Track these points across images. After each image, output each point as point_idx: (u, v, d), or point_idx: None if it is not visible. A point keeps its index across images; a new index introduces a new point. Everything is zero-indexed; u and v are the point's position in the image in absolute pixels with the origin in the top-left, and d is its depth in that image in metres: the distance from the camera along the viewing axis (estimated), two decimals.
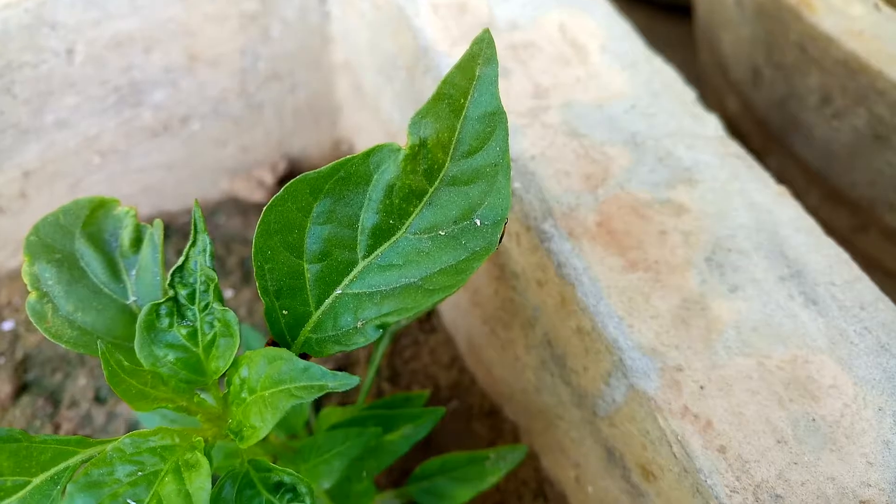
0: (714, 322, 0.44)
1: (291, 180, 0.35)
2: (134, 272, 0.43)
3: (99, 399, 0.69)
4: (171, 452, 0.36)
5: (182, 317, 0.38)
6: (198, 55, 0.73)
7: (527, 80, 0.55)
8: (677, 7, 1.19)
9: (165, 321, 0.38)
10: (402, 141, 0.36)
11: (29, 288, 0.40)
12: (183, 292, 0.38)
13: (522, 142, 0.51)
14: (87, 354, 0.66)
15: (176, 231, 0.82)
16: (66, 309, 0.41)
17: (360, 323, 0.35)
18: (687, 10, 1.12)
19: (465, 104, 0.35)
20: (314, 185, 0.36)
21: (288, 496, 0.36)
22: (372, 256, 0.36)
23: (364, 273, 0.36)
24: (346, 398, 0.67)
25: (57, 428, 0.68)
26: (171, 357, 0.38)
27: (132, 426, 0.68)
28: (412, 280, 0.35)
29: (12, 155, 0.72)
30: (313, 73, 0.80)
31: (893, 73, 0.62)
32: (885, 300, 0.45)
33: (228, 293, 0.76)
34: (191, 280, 0.38)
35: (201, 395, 0.39)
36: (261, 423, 0.34)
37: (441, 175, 0.36)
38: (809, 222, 0.48)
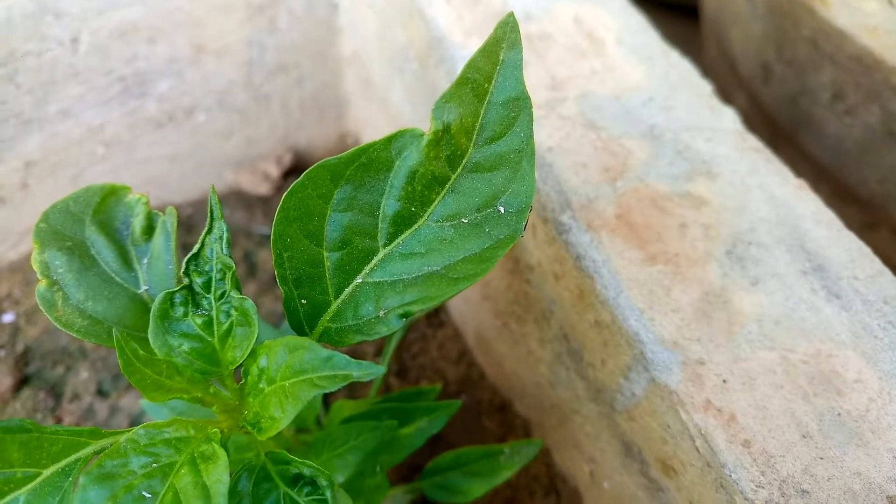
0: (736, 315, 0.43)
1: (312, 166, 0.34)
2: (146, 261, 0.42)
3: (101, 392, 0.68)
4: (186, 444, 0.35)
5: (197, 305, 0.37)
6: (204, 46, 0.72)
7: (543, 72, 0.54)
8: (680, 7, 1.18)
9: (180, 310, 0.37)
10: None
11: (39, 276, 0.39)
12: (198, 280, 0.37)
13: (539, 133, 0.51)
14: (98, 344, 0.65)
15: (180, 223, 0.81)
16: (76, 297, 0.40)
17: (382, 312, 0.34)
18: (688, 9, 1.11)
19: (488, 89, 0.35)
20: (335, 171, 0.35)
21: (307, 489, 0.35)
22: (393, 245, 0.35)
23: (385, 261, 0.35)
24: (353, 393, 0.66)
25: (59, 421, 0.67)
26: (185, 347, 0.37)
27: (136, 420, 0.67)
28: (435, 268, 0.35)
29: (14, 145, 0.71)
30: (320, 66, 0.79)
31: None
32: None
33: None
34: (206, 268, 0.37)
35: (216, 387, 0.38)
36: (281, 413, 0.33)
37: (464, 161, 0.35)
38: (830, 216, 0.48)
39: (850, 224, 0.77)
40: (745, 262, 0.45)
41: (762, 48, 0.78)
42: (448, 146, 0.35)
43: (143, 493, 0.33)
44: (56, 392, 0.69)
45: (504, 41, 0.34)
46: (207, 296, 0.37)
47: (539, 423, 0.61)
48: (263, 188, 0.81)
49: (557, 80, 0.54)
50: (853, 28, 0.65)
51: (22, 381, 0.69)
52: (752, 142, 0.52)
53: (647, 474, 0.47)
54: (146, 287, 0.41)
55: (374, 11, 0.68)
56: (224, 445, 0.35)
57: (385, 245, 0.35)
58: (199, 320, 0.37)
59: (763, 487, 0.38)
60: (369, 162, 0.35)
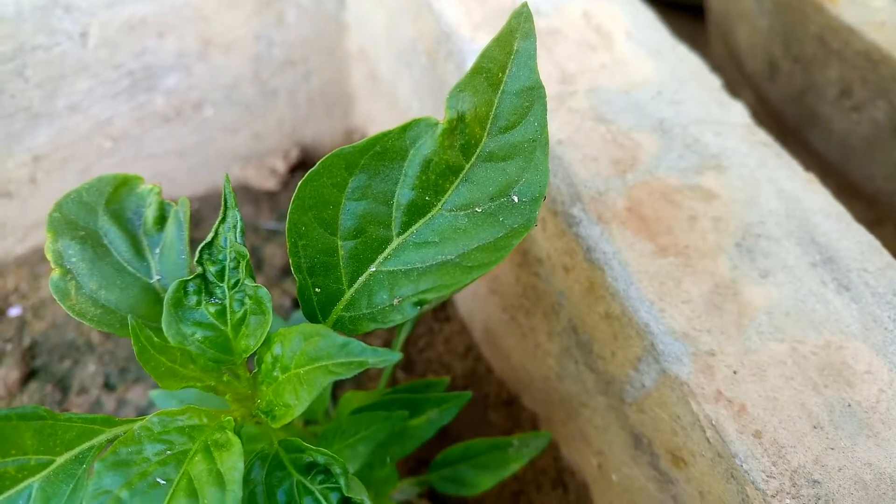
0: (746, 307, 0.43)
1: (327, 155, 0.35)
2: (158, 251, 0.42)
3: (108, 386, 0.68)
4: (199, 432, 0.35)
5: (210, 294, 0.37)
6: (212, 40, 0.73)
7: (552, 66, 0.54)
8: (683, 6, 1.18)
9: (193, 299, 0.37)
10: None
11: (52, 265, 0.39)
12: (212, 269, 0.37)
13: (549, 126, 0.51)
14: (111, 333, 0.65)
15: None
16: (89, 287, 0.40)
17: (396, 300, 0.34)
18: (692, 8, 1.11)
19: (503, 78, 0.35)
20: (349, 159, 0.35)
21: (320, 478, 0.35)
22: (407, 233, 0.35)
23: (399, 250, 0.35)
24: (360, 385, 0.66)
25: None
26: (198, 335, 0.37)
27: (143, 413, 0.67)
28: (449, 257, 0.35)
29: (23, 139, 0.71)
30: (327, 61, 0.79)
31: None
32: None
33: None
34: (220, 257, 0.37)
35: (229, 375, 0.38)
36: (295, 401, 0.33)
37: (478, 150, 0.35)
38: (840, 209, 0.48)
39: (856, 220, 0.77)
40: (754, 255, 0.45)
41: (769, 45, 0.78)
42: (462, 135, 0.35)
43: (158, 479, 0.33)
44: (63, 385, 0.69)
45: (518, 31, 0.34)
46: (221, 284, 0.37)
47: (546, 416, 0.61)
48: (270, 183, 0.81)
49: (567, 74, 0.54)
50: (861, 24, 0.66)
51: (29, 375, 0.70)
52: (762, 136, 0.52)
53: (656, 466, 0.47)
54: (158, 277, 0.41)
55: (383, 6, 0.68)
56: (238, 433, 0.35)
57: (399, 234, 0.35)
58: (212, 309, 0.37)
59: (774, 477, 0.38)
60: (384, 151, 0.35)
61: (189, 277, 0.37)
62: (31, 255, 0.78)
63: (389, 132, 0.35)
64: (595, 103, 0.52)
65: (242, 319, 0.36)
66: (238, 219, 0.37)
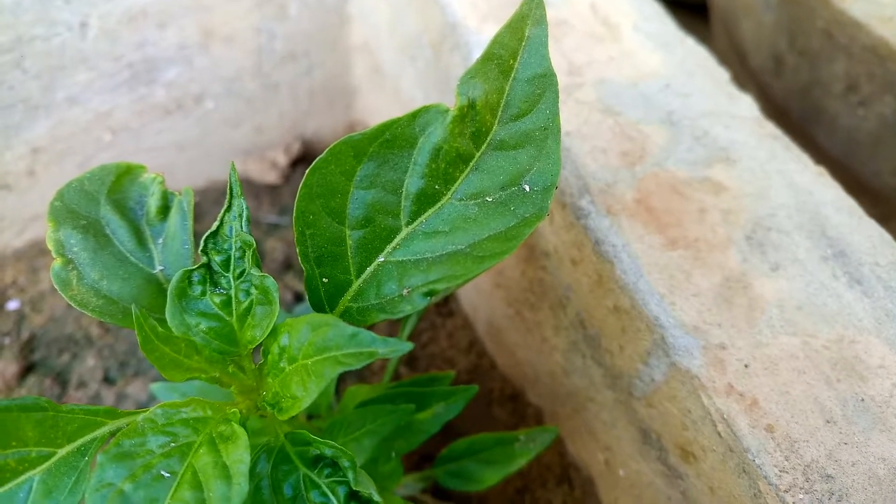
0: (757, 300, 0.43)
1: (335, 142, 0.34)
2: (161, 241, 0.41)
3: (108, 380, 0.68)
4: (204, 424, 0.34)
5: (215, 284, 0.36)
6: (213, 32, 0.72)
7: (560, 57, 0.54)
8: (684, 3, 1.18)
9: (198, 289, 0.36)
10: None
11: (54, 254, 0.38)
12: (217, 259, 0.36)
13: None
14: (114, 324, 0.65)
15: None
16: (91, 277, 0.39)
17: (405, 291, 0.34)
18: (694, 6, 1.11)
19: (514, 65, 0.34)
20: (358, 147, 0.34)
21: (327, 471, 0.34)
22: (416, 223, 0.35)
23: (408, 240, 0.35)
24: (364, 380, 0.65)
25: None
26: (203, 326, 0.36)
27: (143, 407, 0.66)
28: (459, 247, 0.34)
29: (21, 131, 0.70)
30: (330, 54, 0.78)
31: None
32: None
33: None
34: (225, 246, 0.36)
35: (234, 367, 0.37)
36: (303, 392, 0.32)
37: (489, 139, 0.35)
38: (851, 203, 0.47)
39: None
40: (765, 248, 0.45)
41: (774, 40, 0.78)
42: (473, 123, 0.34)
43: (162, 472, 0.32)
44: (62, 379, 0.68)
45: (530, 17, 0.34)
46: (226, 274, 0.36)
47: (552, 412, 0.61)
48: (271, 176, 0.80)
49: (575, 65, 0.53)
50: (868, 18, 0.65)
51: (27, 369, 0.69)
52: (770, 129, 0.51)
53: (665, 461, 0.47)
54: (161, 267, 0.41)
55: None
56: (243, 425, 0.34)
57: (408, 223, 0.35)
58: (217, 299, 0.36)
59: (787, 472, 0.37)
60: (393, 138, 0.34)
61: (194, 267, 0.36)
62: (29, 248, 0.77)
63: (399, 119, 0.34)
64: (603, 95, 0.52)
65: (248, 310, 0.36)
66: (244, 208, 0.36)
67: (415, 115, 0.34)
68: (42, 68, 0.67)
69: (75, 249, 0.39)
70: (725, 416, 0.39)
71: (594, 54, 0.54)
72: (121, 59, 0.70)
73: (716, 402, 0.40)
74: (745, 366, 0.41)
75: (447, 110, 0.34)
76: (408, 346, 0.29)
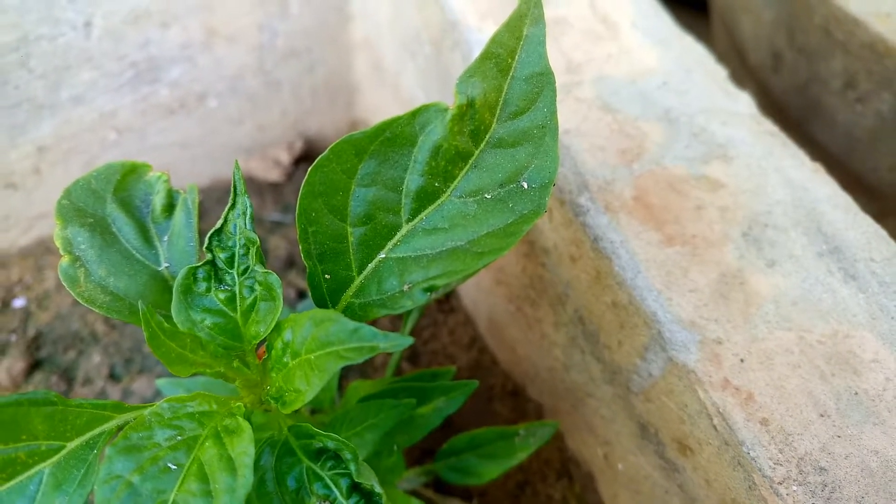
0: (753, 296, 0.43)
1: (337, 140, 0.35)
2: (166, 238, 0.42)
3: (114, 376, 0.69)
4: (209, 418, 0.35)
5: (220, 281, 0.37)
6: (216, 31, 0.72)
7: (559, 55, 0.54)
8: (685, 2, 1.18)
9: (203, 285, 0.37)
10: None
11: (61, 251, 0.39)
12: (221, 256, 0.37)
13: None
14: (119, 322, 0.65)
15: None
16: (98, 274, 0.40)
17: (406, 286, 0.34)
18: (693, 4, 1.11)
19: (512, 64, 0.35)
20: (359, 145, 0.35)
21: (330, 463, 0.35)
22: (416, 220, 0.36)
23: (408, 237, 0.35)
24: (366, 376, 0.66)
25: None
26: (208, 322, 0.37)
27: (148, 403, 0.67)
28: (459, 243, 0.35)
29: (27, 130, 0.71)
30: (331, 52, 0.79)
31: None
32: None
33: None
34: (230, 243, 0.37)
35: (238, 362, 0.38)
36: (306, 386, 0.33)
37: (487, 136, 0.35)
38: (846, 199, 0.48)
39: None
40: (761, 244, 0.46)
41: (773, 36, 0.78)
42: (472, 121, 0.35)
43: (169, 464, 0.33)
44: (68, 376, 0.69)
45: (528, 16, 0.34)
46: (230, 271, 0.37)
47: (552, 407, 0.61)
48: (274, 175, 0.81)
49: (573, 63, 0.54)
50: (866, 15, 0.66)
51: (34, 366, 0.70)
52: (768, 126, 0.52)
53: (662, 455, 0.47)
54: (167, 265, 0.41)
55: None
56: (248, 419, 0.35)
57: (408, 220, 0.35)
58: (221, 295, 0.37)
59: (781, 465, 0.38)
60: (393, 137, 0.35)
61: (198, 264, 0.37)
62: (35, 246, 0.78)
63: (399, 118, 0.35)
64: (601, 93, 0.52)
65: (252, 306, 0.36)
66: (248, 205, 0.37)
67: (415, 114, 0.35)
68: (47, 68, 0.68)
69: (83, 247, 0.40)
70: (721, 410, 0.40)
71: (593, 52, 0.55)
72: (125, 58, 0.70)
73: (712, 396, 0.40)
74: (741, 360, 0.41)
75: (446, 109, 0.35)
76: (408, 341, 0.30)
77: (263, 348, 0.37)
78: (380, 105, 0.79)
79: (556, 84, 0.52)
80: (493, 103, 0.35)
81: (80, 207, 0.41)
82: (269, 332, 0.36)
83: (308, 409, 0.52)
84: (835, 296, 0.43)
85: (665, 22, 0.58)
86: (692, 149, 0.50)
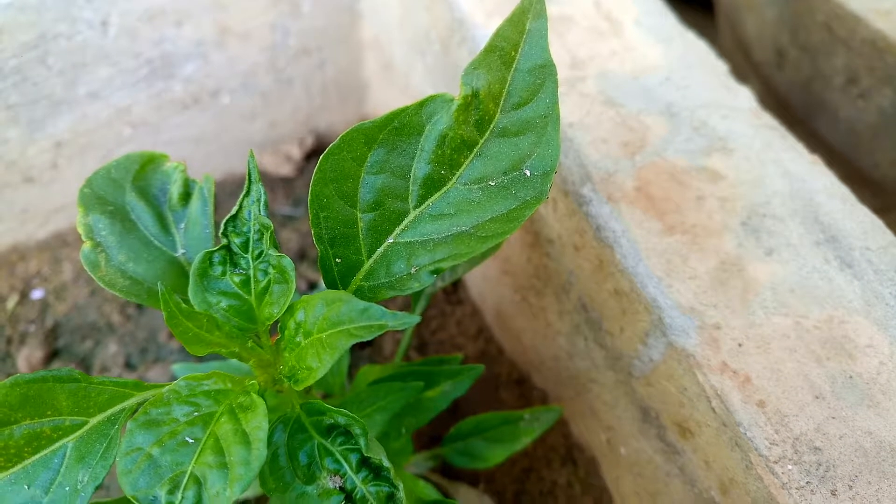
0: (751, 283, 0.45)
1: (347, 129, 0.36)
2: (183, 226, 0.43)
3: (129, 365, 0.70)
4: (224, 396, 0.37)
5: (235, 265, 0.39)
6: (229, 29, 0.74)
7: (563, 51, 0.56)
8: (691, 0, 1.19)
9: (218, 269, 0.38)
10: None
11: (83, 238, 0.41)
12: (236, 241, 0.38)
13: (561, 109, 0.52)
14: (137, 306, 0.67)
15: None
16: (118, 259, 0.41)
17: (413, 269, 0.36)
18: (699, 2, 1.12)
19: (515, 57, 0.36)
20: (368, 134, 0.36)
21: (340, 439, 0.37)
22: (423, 206, 0.37)
23: (415, 223, 0.37)
24: (376, 362, 0.67)
25: None
26: (223, 304, 0.38)
27: None
28: (464, 228, 0.36)
29: (45, 126, 0.73)
30: (342, 50, 0.81)
31: None
32: None
33: None
34: (244, 229, 0.38)
35: (253, 342, 0.39)
36: (318, 363, 0.34)
37: (491, 126, 0.37)
38: (843, 190, 0.49)
39: None
40: (759, 233, 0.47)
41: (777, 34, 0.79)
42: (476, 111, 0.36)
43: (187, 438, 0.34)
44: (85, 365, 0.71)
45: (530, 11, 0.36)
46: (245, 255, 0.38)
47: (556, 394, 0.63)
48: (286, 169, 0.82)
49: (577, 59, 0.55)
50: (866, 12, 0.67)
51: (52, 355, 0.72)
52: (767, 119, 0.53)
53: (664, 438, 0.48)
54: (183, 251, 0.43)
55: None
56: (262, 396, 0.36)
57: (416, 207, 0.37)
58: (236, 279, 0.38)
59: (777, 445, 0.39)
60: (401, 126, 0.36)
61: (214, 248, 0.38)
62: (52, 239, 0.80)
63: (407, 108, 0.36)
64: (605, 87, 0.54)
65: (266, 288, 0.38)
66: (262, 192, 0.38)
67: (422, 104, 0.36)
68: (65, 65, 0.70)
69: (103, 233, 0.41)
70: (719, 393, 0.41)
71: (596, 48, 0.56)
72: (140, 55, 0.72)
73: (710, 380, 0.42)
74: (739, 345, 0.42)
75: (452, 99, 0.36)
76: (415, 319, 0.31)
77: (276, 334, 0.39)
78: (389, 102, 0.81)
79: (560, 78, 0.54)
80: (497, 94, 0.36)
81: (100, 196, 0.42)
82: (282, 313, 0.37)
83: (320, 394, 0.54)
84: (831, 283, 0.45)
85: (668, 19, 0.59)
86: (693, 142, 0.51)
